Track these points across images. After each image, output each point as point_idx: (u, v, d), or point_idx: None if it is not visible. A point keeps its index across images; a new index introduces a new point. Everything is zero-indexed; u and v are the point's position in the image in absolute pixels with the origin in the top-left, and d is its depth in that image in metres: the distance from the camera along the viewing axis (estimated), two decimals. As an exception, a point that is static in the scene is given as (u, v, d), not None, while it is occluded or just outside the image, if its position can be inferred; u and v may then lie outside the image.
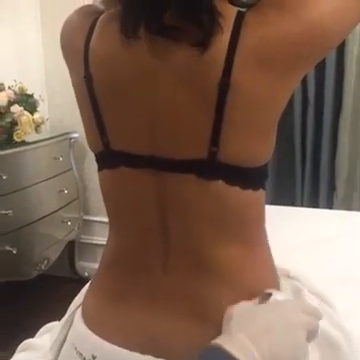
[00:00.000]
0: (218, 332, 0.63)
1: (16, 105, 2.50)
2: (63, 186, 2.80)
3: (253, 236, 0.75)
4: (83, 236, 3.18)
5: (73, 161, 2.95)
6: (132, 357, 0.72)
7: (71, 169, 2.94)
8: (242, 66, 0.63)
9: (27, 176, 2.54)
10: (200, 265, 0.72)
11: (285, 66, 0.65)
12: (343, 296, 1.21)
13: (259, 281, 0.73)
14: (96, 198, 3.09)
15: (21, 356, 1.03)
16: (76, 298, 0.90)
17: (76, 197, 2.98)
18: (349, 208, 2.92)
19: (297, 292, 0.80)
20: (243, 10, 0.65)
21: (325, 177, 3.14)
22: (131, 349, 0.72)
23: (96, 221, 3.14)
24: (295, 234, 1.94)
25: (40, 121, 2.63)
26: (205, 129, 0.66)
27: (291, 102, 2.96)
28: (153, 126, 0.69)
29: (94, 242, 3.17)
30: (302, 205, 3.17)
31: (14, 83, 2.60)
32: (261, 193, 0.74)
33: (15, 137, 2.47)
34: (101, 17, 0.73)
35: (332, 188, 3.16)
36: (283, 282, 0.79)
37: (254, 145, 0.69)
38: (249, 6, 0.66)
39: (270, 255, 0.78)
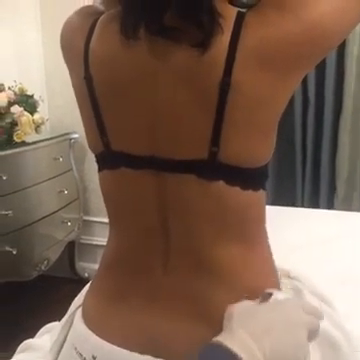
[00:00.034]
0: (219, 332, 0.63)
1: (16, 106, 2.50)
2: (63, 187, 2.80)
3: (254, 236, 0.75)
4: (83, 237, 3.18)
5: (73, 162, 2.95)
6: (132, 357, 0.72)
7: (71, 170, 2.94)
8: (243, 66, 0.63)
9: (27, 177, 2.54)
10: (200, 265, 0.72)
11: (285, 66, 0.65)
12: (343, 296, 1.22)
13: (260, 281, 0.73)
14: (96, 199, 3.09)
15: (21, 356, 1.03)
16: (76, 299, 0.90)
17: (76, 198, 2.98)
18: (349, 208, 2.92)
19: (298, 292, 0.80)
20: (243, 11, 0.66)
21: (325, 177, 3.14)
22: (131, 349, 0.72)
23: (96, 222, 3.14)
24: (295, 234, 1.94)
25: (40, 122, 2.63)
26: (205, 129, 0.66)
27: (291, 102, 2.96)
28: (153, 127, 0.69)
29: (94, 243, 3.17)
30: (302, 205, 3.17)
31: (14, 84, 2.60)
32: (261, 193, 0.74)
33: (15, 138, 2.47)
34: (101, 18, 0.73)
35: (332, 188, 3.16)
36: (284, 282, 0.79)
37: (255, 145, 0.69)
38: (249, 6, 0.66)
39: (271, 255, 0.78)
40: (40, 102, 2.71)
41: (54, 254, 2.78)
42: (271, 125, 0.70)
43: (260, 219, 0.76)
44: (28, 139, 2.56)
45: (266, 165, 0.72)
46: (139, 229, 0.76)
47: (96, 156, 0.79)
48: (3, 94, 2.49)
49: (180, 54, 0.65)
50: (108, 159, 0.75)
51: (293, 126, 3.13)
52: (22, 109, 2.50)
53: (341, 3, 0.65)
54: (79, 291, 0.92)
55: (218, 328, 0.65)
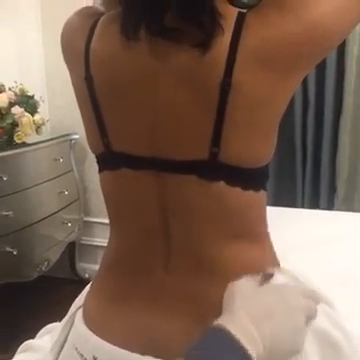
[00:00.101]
0: None
1: (17, 106, 2.49)
2: (63, 187, 2.80)
3: (255, 236, 0.75)
4: (83, 237, 3.18)
5: (73, 162, 2.95)
6: (133, 358, 0.72)
7: (71, 170, 2.94)
8: (243, 66, 0.63)
9: (27, 177, 2.54)
10: (201, 266, 0.72)
11: (286, 66, 0.65)
12: (344, 296, 1.21)
13: None
14: (96, 199, 3.09)
15: (21, 357, 1.03)
16: (77, 299, 0.90)
17: (76, 198, 2.98)
18: (350, 209, 2.92)
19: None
20: (244, 11, 0.66)
21: (326, 178, 3.14)
22: (132, 350, 0.72)
23: (96, 222, 3.14)
24: (296, 235, 1.94)
25: (41, 122, 2.63)
26: (206, 130, 0.66)
27: (292, 103, 2.96)
28: (154, 127, 0.69)
29: (95, 243, 3.17)
30: (303, 206, 3.17)
31: (15, 84, 2.60)
32: (262, 194, 0.74)
33: (16, 138, 2.47)
34: (101, 19, 0.74)
35: (333, 189, 3.15)
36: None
37: (255, 145, 0.69)
38: (250, 7, 0.66)
39: (273, 255, 0.78)
40: (41, 103, 2.71)
41: (54, 255, 2.77)
42: (272, 125, 0.70)
43: (261, 219, 0.76)
44: (28, 140, 2.56)
45: (267, 165, 0.72)
46: (140, 230, 0.76)
47: (97, 157, 0.79)
48: (4, 95, 2.49)
49: (181, 55, 0.65)
50: (109, 160, 0.75)
51: (293, 126, 3.13)
52: (23, 110, 2.50)
53: (342, 3, 0.65)
54: (79, 292, 0.92)
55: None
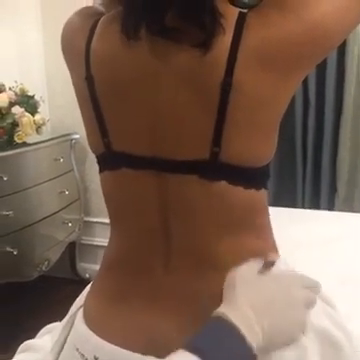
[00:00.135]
0: None
1: (17, 106, 2.50)
2: (64, 187, 2.80)
3: (257, 236, 0.75)
4: (84, 237, 3.18)
5: (74, 162, 2.95)
6: (134, 358, 0.72)
7: (72, 170, 2.94)
8: (244, 66, 0.63)
9: (28, 177, 2.54)
10: (202, 265, 0.72)
11: (287, 66, 0.65)
12: (344, 296, 1.21)
13: None
14: (97, 199, 3.09)
15: (22, 357, 1.03)
16: (77, 299, 0.90)
17: (77, 198, 2.98)
18: (350, 209, 2.92)
19: None
20: (244, 11, 0.65)
21: (326, 178, 3.15)
22: (133, 350, 0.72)
23: (97, 222, 3.14)
24: (296, 235, 1.94)
25: (41, 122, 2.63)
26: (207, 130, 0.66)
27: (292, 103, 2.96)
28: (155, 127, 0.69)
29: (95, 243, 3.17)
30: (303, 206, 3.18)
31: (15, 84, 2.60)
32: (263, 193, 0.74)
33: (16, 138, 2.47)
34: (102, 18, 0.73)
35: (333, 189, 3.16)
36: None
37: (256, 145, 0.69)
38: (250, 7, 0.66)
39: (276, 254, 0.78)
40: (41, 103, 2.71)
41: (55, 255, 2.78)
42: (272, 125, 0.70)
43: (263, 218, 0.76)
44: (29, 140, 2.56)
45: (268, 164, 0.73)
46: (140, 229, 0.76)
47: (97, 157, 0.79)
48: (4, 95, 2.49)
49: (181, 55, 0.65)
50: (109, 160, 0.75)
51: (294, 127, 3.13)
52: (23, 110, 2.50)
53: (342, 3, 0.65)
54: (80, 292, 0.92)
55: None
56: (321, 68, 2.95)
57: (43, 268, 2.63)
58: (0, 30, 2.73)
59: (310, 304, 0.66)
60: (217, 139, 0.66)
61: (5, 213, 2.32)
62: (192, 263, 0.73)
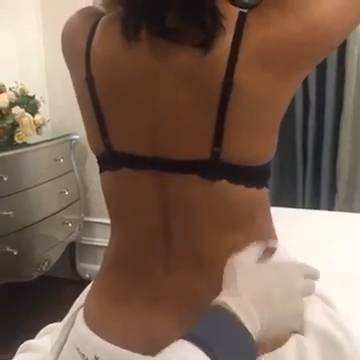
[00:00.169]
0: None
1: (17, 107, 2.50)
2: (64, 187, 2.80)
3: (258, 235, 0.75)
4: (84, 237, 3.18)
5: (74, 162, 2.95)
6: (134, 358, 0.72)
7: (72, 170, 2.94)
8: (245, 66, 0.63)
9: (28, 177, 2.54)
10: (202, 265, 0.72)
11: (287, 66, 0.65)
12: (344, 296, 1.21)
13: None
14: (97, 199, 3.09)
15: (22, 357, 1.03)
16: (78, 299, 0.90)
17: (77, 198, 2.98)
18: (350, 209, 2.92)
19: None
20: (245, 11, 0.66)
21: (326, 178, 3.14)
22: (133, 350, 0.72)
23: (97, 222, 3.14)
24: (296, 235, 1.94)
25: (41, 123, 2.63)
26: (207, 130, 0.66)
27: (292, 103, 2.96)
28: (155, 127, 0.69)
29: (95, 244, 3.17)
30: (303, 207, 3.17)
31: (15, 85, 2.60)
32: (265, 191, 0.74)
33: (16, 139, 2.47)
34: (102, 19, 0.73)
35: (333, 189, 3.16)
36: None
37: (257, 145, 0.69)
38: (251, 7, 0.66)
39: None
40: (41, 103, 2.71)
41: (55, 255, 2.78)
42: (273, 125, 0.70)
43: (265, 216, 0.76)
44: (29, 140, 2.56)
45: (268, 163, 0.73)
46: (141, 229, 0.76)
47: (97, 157, 0.79)
48: (4, 95, 2.49)
49: (182, 55, 0.65)
50: (110, 160, 0.75)
51: (294, 127, 3.13)
52: (23, 110, 2.50)
53: (343, 3, 0.65)
54: (80, 292, 0.92)
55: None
56: (321, 68, 2.95)
57: (43, 268, 2.63)
58: (0, 30, 2.73)
59: (308, 293, 0.67)
60: (218, 139, 0.66)
61: (5, 213, 2.32)
62: (192, 263, 0.73)
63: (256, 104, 0.66)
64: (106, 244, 0.83)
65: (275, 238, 0.78)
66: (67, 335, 0.85)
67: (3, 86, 2.53)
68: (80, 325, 0.80)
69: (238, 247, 0.71)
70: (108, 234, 0.83)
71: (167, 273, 0.75)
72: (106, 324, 0.77)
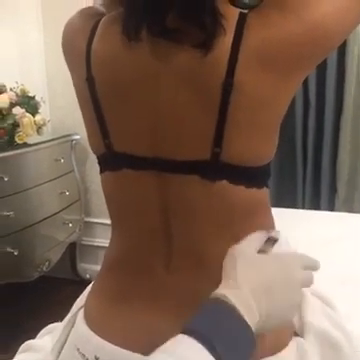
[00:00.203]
0: None
1: (18, 107, 2.50)
2: (64, 188, 2.80)
3: None
4: (84, 238, 3.18)
5: (74, 163, 2.95)
6: (134, 358, 0.72)
7: (72, 171, 2.94)
8: (245, 67, 0.64)
9: (28, 178, 2.54)
10: (203, 265, 0.72)
11: (287, 66, 0.65)
12: (344, 297, 1.21)
13: None
14: (97, 200, 3.09)
15: (22, 357, 1.03)
16: (78, 299, 0.90)
17: (77, 199, 2.98)
18: (350, 210, 2.92)
19: None
20: (245, 12, 0.66)
21: (326, 179, 3.14)
22: (133, 350, 0.72)
23: (97, 223, 3.14)
24: (296, 236, 1.94)
25: (42, 123, 2.63)
26: (208, 130, 0.67)
27: (293, 104, 2.96)
28: (155, 128, 0.69)
29: (95, 244, 3.17)
30: (303, 207, 3.17)
31: (16, 85, 2.60)
32: (265, 191, 0.74)
33: (17, 139, 2.47)
34: (103, 19, 0.74)
35: (333, 190, 3.15)
36: None
37: (257, 145, 0.69)
38: (251, 7, 0.66)
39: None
40: (42, 103, 2.71)
41: (55, 255, 2.77)
42: (273, 125, 0.70)
43: (265, 217, 0.76)
44: (30, 140, 2.56)
45: (269, 163, 0.73)
46: (141, 230, 0.76)
47: (98, 157, 0.79)
48: (5, 95, 2.49)
49: (182, 55, 0.65)
50: (110, 160, 0.75)
51: (294, 127, 3.13)
52: (24, 110, 2.50)
53: (343, 3, 0.65)
54: (80, 292, 0.92)
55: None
56: (321, 68, 2.95)
57: (44, 269, 2.63)
58: (0, 31, 2.73)
59: (307, 284, 0.67)
60: (218, 139, 0.66)
61: (6, 214, 2.32)
62: (193, 263, 0.73)
63: (256, 104, 0.66)
64: (106, 244, 0.83)
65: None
66: (67, 335, 0.85)
67: (4, 86, 2.54)
68: (80, 325, 0.80)
69: None
70: (108, 234, 0.83)
71: (168, 273, 0.75)
72: (106, 324, 0.77)
